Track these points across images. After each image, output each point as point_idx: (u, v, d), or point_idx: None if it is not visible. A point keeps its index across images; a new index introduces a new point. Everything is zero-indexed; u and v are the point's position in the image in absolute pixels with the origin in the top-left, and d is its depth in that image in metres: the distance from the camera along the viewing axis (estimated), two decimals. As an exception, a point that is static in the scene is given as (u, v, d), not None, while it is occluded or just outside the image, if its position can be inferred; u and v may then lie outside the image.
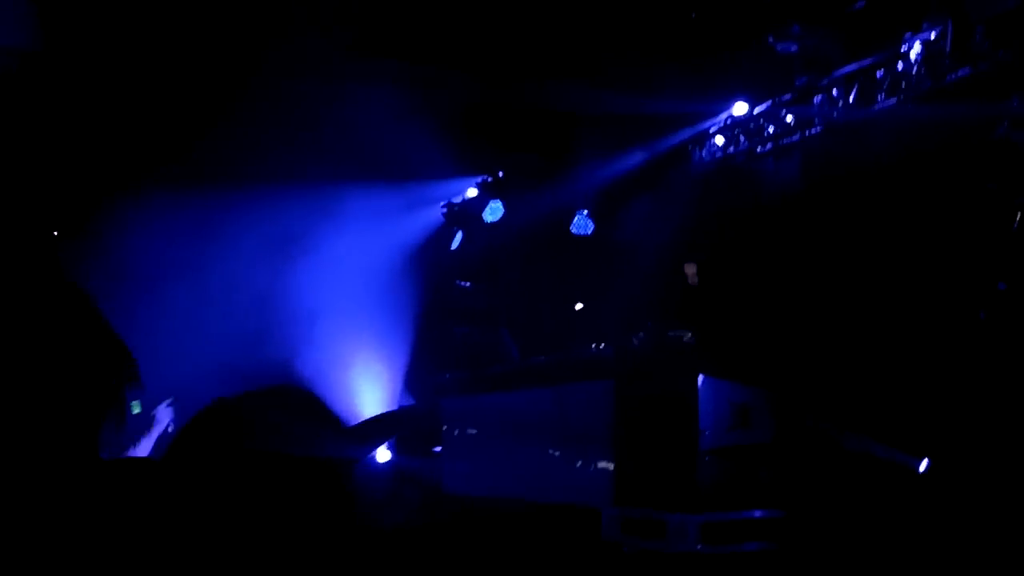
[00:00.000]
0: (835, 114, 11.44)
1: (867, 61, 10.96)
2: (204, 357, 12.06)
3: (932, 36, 10.03)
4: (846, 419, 9.51)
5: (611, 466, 10.25)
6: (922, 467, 8.98)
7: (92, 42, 11.30)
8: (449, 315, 16.87)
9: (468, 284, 17.01)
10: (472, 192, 16.79)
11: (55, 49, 11.07)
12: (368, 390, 15.83)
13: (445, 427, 14.00)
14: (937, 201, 9.97)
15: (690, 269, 11.77)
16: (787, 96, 12.08)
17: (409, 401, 16.13)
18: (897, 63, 10.59)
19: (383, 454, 15.59)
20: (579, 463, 10.94)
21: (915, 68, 10.31)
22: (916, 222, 10.17)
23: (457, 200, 17.13)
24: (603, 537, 9.96)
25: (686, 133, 13.54)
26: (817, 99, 11.71)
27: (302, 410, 2.01)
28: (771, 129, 12.43)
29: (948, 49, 9.75)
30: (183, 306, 13.81)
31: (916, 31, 10.26)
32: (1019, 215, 9.11)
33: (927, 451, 9.00)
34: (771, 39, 11.32)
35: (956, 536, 8.08)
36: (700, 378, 9.53)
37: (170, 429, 5.82)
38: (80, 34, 11.15)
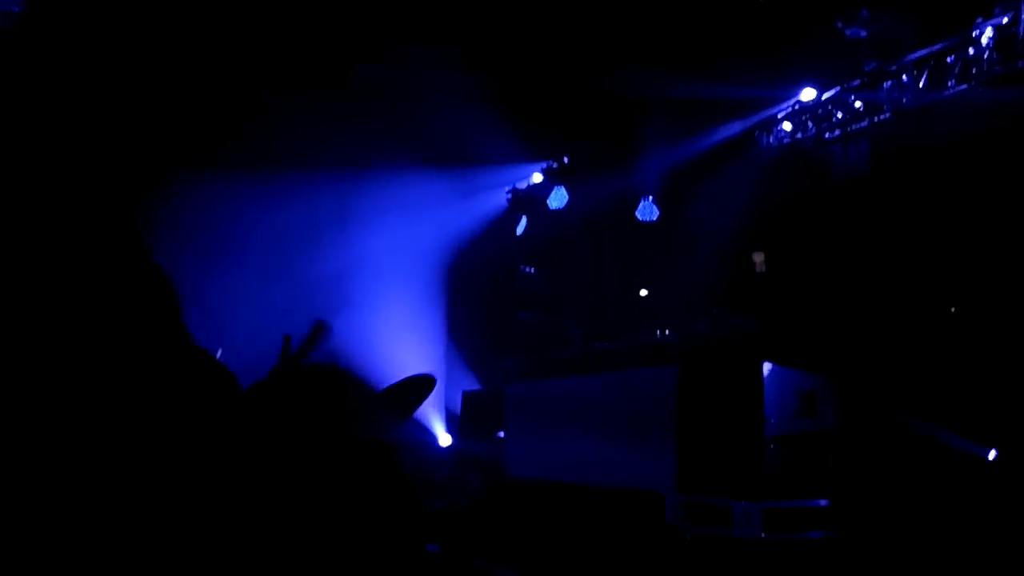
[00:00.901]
0: (904, 99, 11.31)
1: (937, 46, 10.82)
2: (253, 334, 12.21)
3: (1004, 21, 9.89)
4: (915, 406, 9.43)
5: (675, 452, 10.26)
6: (991, 456, 8.90)
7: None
8: (513, 300, 16.96)
9: (532, 270, 17.07)
10: (537, 178, 16.84)
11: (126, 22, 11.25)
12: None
13: (509, 412, 14.08)
14: (1009, 187, 9.85)
15: (758, 257, 11.70)
16: (856, 81, 11.95)
17: (473, 386, 16.24)
18: (968, 48, 10.45)
19: (444, 438, 15.73)
20: (643, 448, 10.96)
21: (986, 53, 10.17)
22: (987, 208, 10.06)
23: (522, 186, 17.19)
24: (667, 522, 9.99)
25: (753, 119, 13.45)
26: (886, 85, 11.58)
27: (340, 388, 2.07)
28: (839, 115, 12.31)
29: (1021, 34, 9.60)
30: (237, 283, 14.01)
31: (988, 16, 10.12)
32: None
33: (996, 441, 8.92)
34: (840, 23, 11.21)
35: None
36: (765, 365, 9.51)
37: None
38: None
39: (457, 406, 15.79)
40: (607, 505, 10.93)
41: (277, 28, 12.11)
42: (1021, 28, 9.57)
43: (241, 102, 13.57)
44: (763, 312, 10.57)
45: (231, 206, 14.28)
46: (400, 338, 15.47)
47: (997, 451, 8.80)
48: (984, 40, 10.18)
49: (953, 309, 10.22)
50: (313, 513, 1.83)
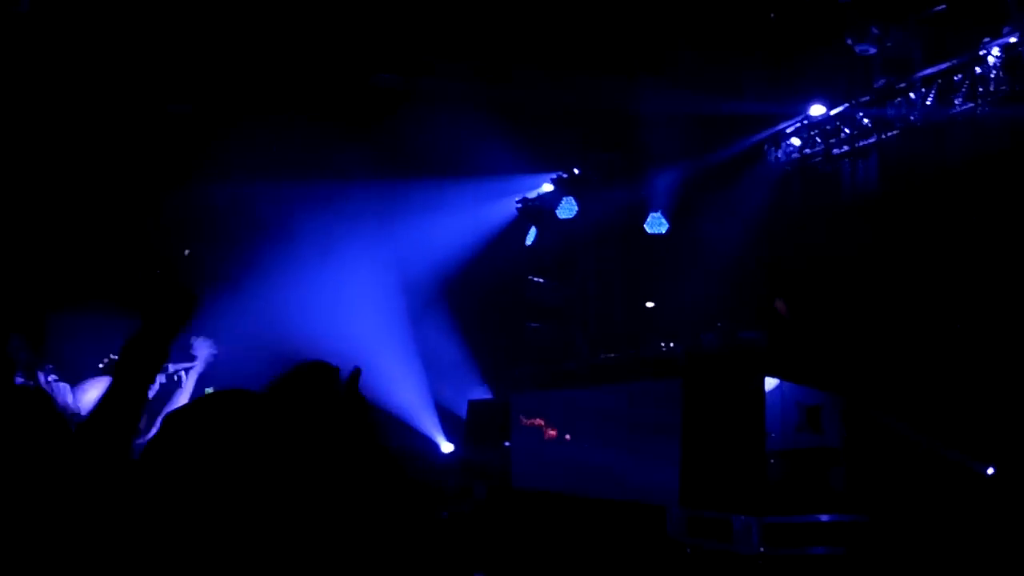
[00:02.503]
0: (912, 116, 11.34)
1: (945, 65, 10.85)
2: (259, 339, 12.34)
3: (1012, 40, 9.92)
4: (918, 422, 9.43)
5: (678, 464, 10.28)
6: (989, 472, 8.90)
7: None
8: (522, 310, 16.99)
9: (541, 280, 17.11)
10: (547, 188, 16.87)
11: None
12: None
13: (515, 420, 14.12)
14: (1014, 205, 9.87)
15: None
16: (865, 98, 11.98)
17: (481, 395, 16.27)
18: (976, 67, 10.48)
19: (446, 446, 15.78)
20: (646, 460, 11.00)
21: (993, 73, 10.20)
22: (994, 226, 10.08)
23: (532, 196, 17.22)
24: (668, 535, 10.01)
25: (762, 134, 13.47)
26: (895, 101, 11.61)
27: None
28: (848, 130, 12.34)
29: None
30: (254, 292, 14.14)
31: (996, 36, 10.15)
32: None
33: (996, 455, 8.90)
34: (850, 40, 11.24)
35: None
36: (768, 380, 9.53)
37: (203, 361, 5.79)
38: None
39: (463, 414, 15.83)
40: (609, 517, 10.96)
41: (294, 36, 12.19)
42: (1028, 48, 9.58)
43: (262, 110, 13.70)
44: (768, 328, 10.60)
45: (255, 211, 14.44)
46: (396, 347, 15.56)
47: (994, 467, 8.81)
48: (991, 60, 10.22)
49: (959, 326, 10.22)
50: (322, 520, 1.86)
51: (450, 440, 15.89)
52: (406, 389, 15.46)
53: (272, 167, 14.60)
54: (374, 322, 15.12)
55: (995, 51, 10.15)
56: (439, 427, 15.86)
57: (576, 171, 16.33)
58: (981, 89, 10.42)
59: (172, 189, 13.80)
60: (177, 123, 13.56)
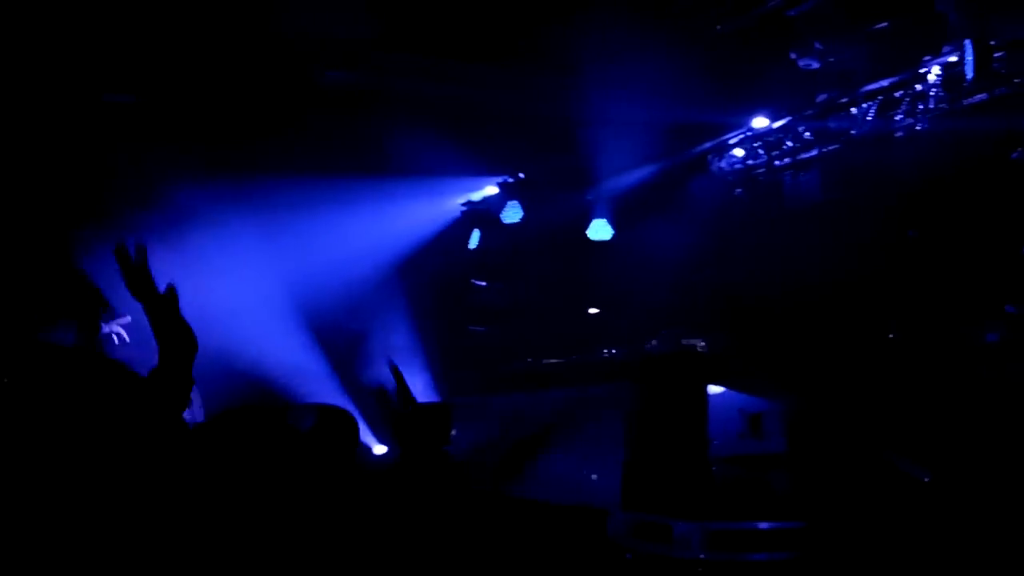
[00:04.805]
0: (854, 131, 11.56)
1: (886, 81, 11.07)
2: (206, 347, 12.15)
3: (951, 59, 10.15)
4: (860, 428, 9.61)
5: (620, 468, 10.38)
6: (926, 479, 9.09)
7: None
8: (464, 314, 16.96)
9: (485, 284, 17.11)
10: (492, 190, 16.85)
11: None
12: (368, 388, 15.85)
13: (457, 425, 14.15)
14: (952, 220, 10.10)
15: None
16: (807, 112, 12.18)
17: (421, 398, 16.21)
18: (916, 84, 10.71)
19: (379, 448, 15.71)
20: (589, 464, 11.09)
21: (933, 90, 10.43)
22: (932, 239, 10.31)
23: (477, 198, 17.20)
24: (609, 538, 10.09)
25: (707, 143, 13.63)
26: (837, 116, 11.82)
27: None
28: (789, 143, 12.54)
29: (967, 72, 9.83)
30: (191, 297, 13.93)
31: (936, 54, 10.37)
32: None
33: (931, 463, 9.09)
34: (793, 55, 11.41)
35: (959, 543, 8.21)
36: (710, 387, 9.67)
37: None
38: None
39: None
40: (551, 520, 11.03)
41: (239, 33, 12.09)
42: (968, 67, 9.79)
43: (200, 107, 13.56)
44: (711, 334, 10.74)
45: (184, 209, 14.24)
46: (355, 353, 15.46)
47: (931, 474, 9.00)
48: (931, 77, 10.44)
49: (891, 335, 10.44)
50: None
51: (383, 443, 15.81)
52: (335, 392, 15.37)
53: (210, 160, 14.46)
54: (304, 323, 15.01)
55: (935, 69, 10.38)
56: (369, 430, 15.76)
57: (521, 175, 16.34)
58: (921, 106, 10.66)
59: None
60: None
